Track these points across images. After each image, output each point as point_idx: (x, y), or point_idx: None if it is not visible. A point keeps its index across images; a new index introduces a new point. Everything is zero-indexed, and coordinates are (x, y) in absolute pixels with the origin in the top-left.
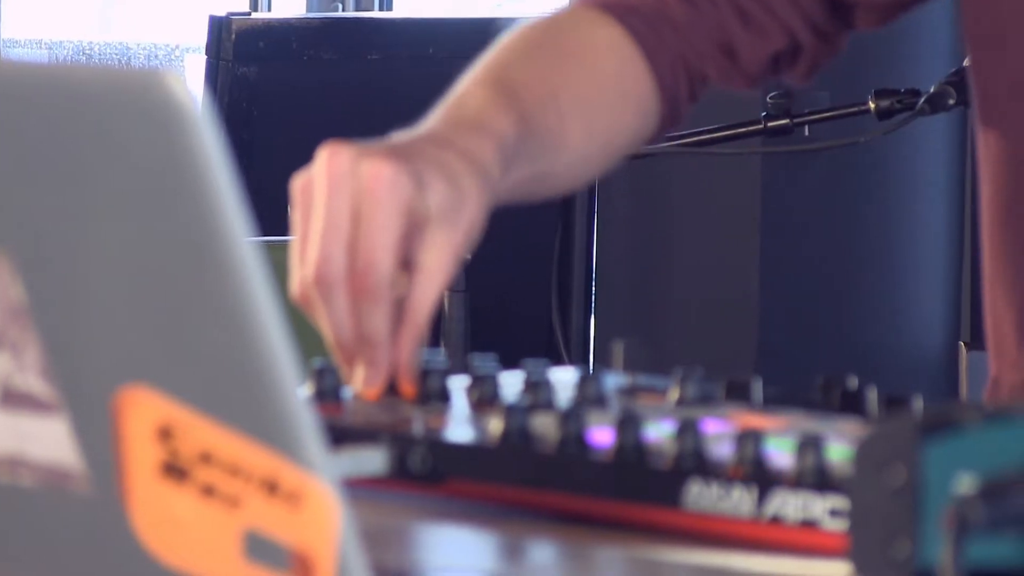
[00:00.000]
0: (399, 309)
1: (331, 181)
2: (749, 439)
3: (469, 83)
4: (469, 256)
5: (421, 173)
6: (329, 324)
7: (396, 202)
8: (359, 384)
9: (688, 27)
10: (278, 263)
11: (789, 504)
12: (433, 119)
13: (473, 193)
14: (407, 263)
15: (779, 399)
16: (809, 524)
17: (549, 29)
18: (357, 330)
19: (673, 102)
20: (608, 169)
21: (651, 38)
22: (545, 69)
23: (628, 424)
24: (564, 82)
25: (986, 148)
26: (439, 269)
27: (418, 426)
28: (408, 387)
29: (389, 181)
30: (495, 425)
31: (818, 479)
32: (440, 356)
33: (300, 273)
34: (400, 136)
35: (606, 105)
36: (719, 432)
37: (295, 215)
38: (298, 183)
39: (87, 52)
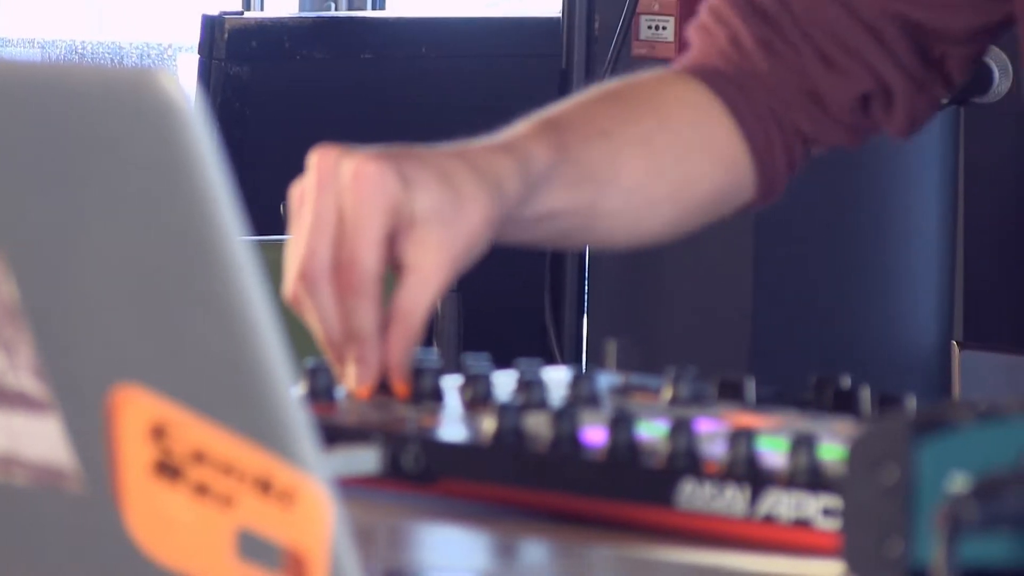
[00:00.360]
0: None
1: (319, 181)
2: (742, 438)
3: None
4: (469, 262)
5: (409, 173)
6: (317, 321)
7: (379, 198)
8: (350, 382)
9: (772, 75)
10: (271, 262)
11: (782, 503)
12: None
13: (475, 198)
14: (398, 264)
15: (772, 398)
16: (802, 523)
17: (623, 82)
18: (345, 326)
19: (766, 161)
20: (696, 223)
21: (739, 97)
22: (600, 111)
23: (621, 423)
24: (621, 123)
25: None
26: (430, 269)
27: (411, 425)
28: (400, 387)
29: (372, 178)
30: (488, 424)
31: (811, 478)
32: (433, 355)
33: (289, 272)
34: (408, 147)
35: (677, 150)
36: (712, 431)
37: (290, 221)
38: (294, 190)
39: (80, 51)
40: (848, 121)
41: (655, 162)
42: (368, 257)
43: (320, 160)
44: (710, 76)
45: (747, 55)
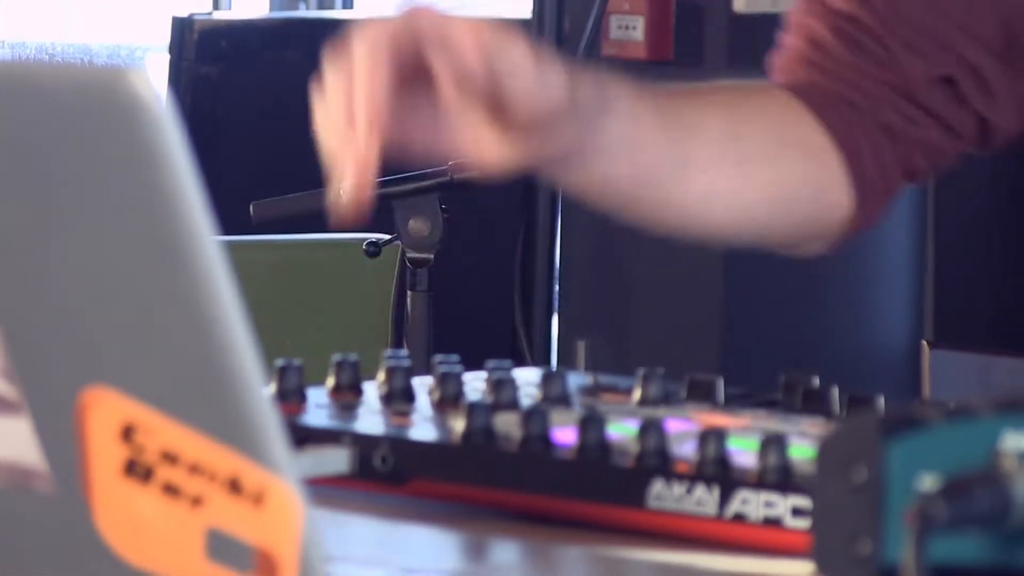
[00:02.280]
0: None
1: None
2: (712, 438)
3: None
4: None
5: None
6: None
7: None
8: (345, 190)
9: (855, 67)
10: (241, 262)
11: (752, 503)
12: None
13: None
14: None
15: (741, 398)
16: (772, 523)
17: (717, 84)
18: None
19: (858, 168)
20: (792, 218)
21: (827, 106)
22: (691, 98)
23: (591, 423)
24: (711, 92)
25: None
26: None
27: (381, 425)
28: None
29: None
30: (458, 424)
31: (781, 478)
32: (404, 356)
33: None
34: None
35: (763, 130)
36: (682, 431)
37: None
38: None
39: (49, 52)
40: (940, 112)
41: (739, 131)
42: (373, 40)
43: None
44: (793, 87)
45: (828, 51)
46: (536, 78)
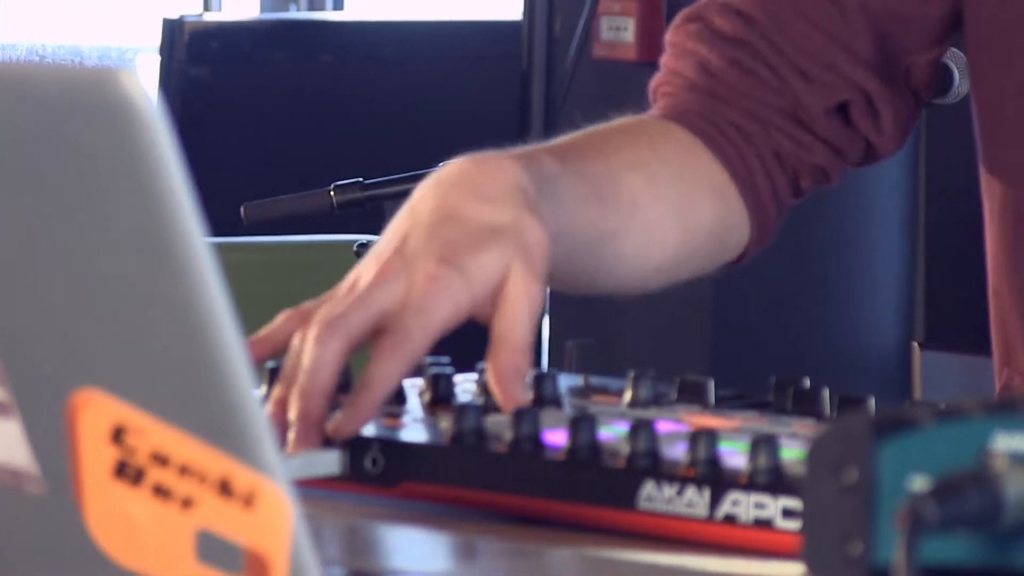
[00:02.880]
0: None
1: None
2: (702, 440)
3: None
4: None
5: (466, 265)
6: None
7: (445, 308)
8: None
9: (745, 94)
10: (231, 264)
11: (742, 504)
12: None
13: (530, 219)
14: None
15: (732, 400)
16: (762, 524)
17: (607, 123)
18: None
19: (752, 192)
20: (702, 257)
21: (717, 135)
22: (591, 140)
23: (582, 425)
24: (615, 148)
25: (989, 146)
26: (518, 290)
27: (372, 427)
28: (509, 404)
29: (437, 288)
30: (449, 426)
31: (771, 479)
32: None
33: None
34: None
35: (673, 174)
36: (672, 433)
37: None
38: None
39: (40, 53)
40: (830, 137)
41: (652, 183)
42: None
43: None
44: (684, 118)
45: (718, 78)
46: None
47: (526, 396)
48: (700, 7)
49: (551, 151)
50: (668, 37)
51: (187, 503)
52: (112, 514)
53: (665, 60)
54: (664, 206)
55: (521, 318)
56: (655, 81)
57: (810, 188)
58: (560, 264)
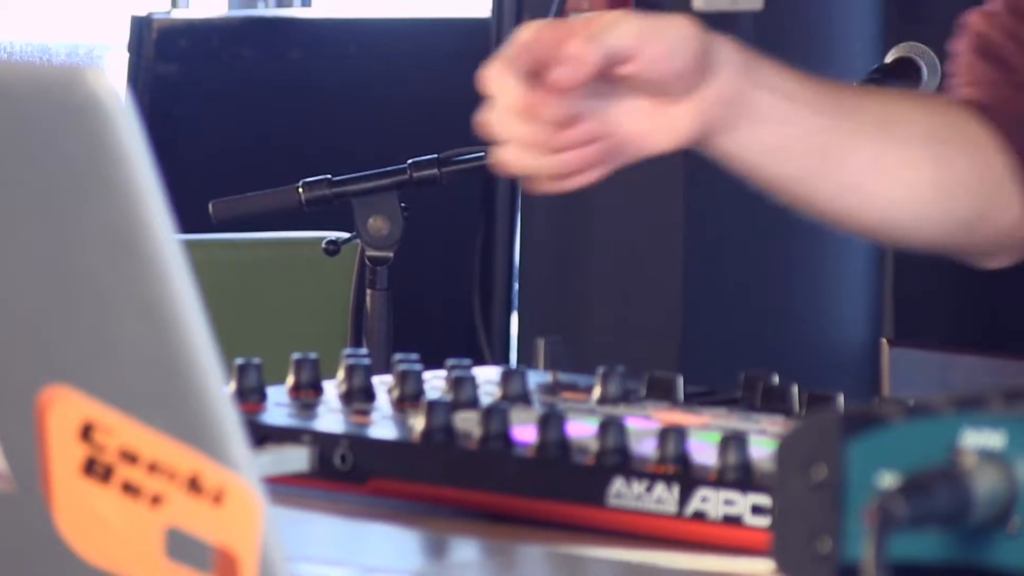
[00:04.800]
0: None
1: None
2: (672, 436)
3: None
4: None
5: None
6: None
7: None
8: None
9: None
10: (200, 261)
11: (711, 501)
12: None
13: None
14: None
15: (701, 396)
16: (732, 521)
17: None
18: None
19: None
20: (959, 206)
21: (1009, 123)
22: (845, 87)
23: (551, 421)
24: (866, 97)
25: None
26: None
27: (341, 424)
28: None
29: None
30: (418, 423)
31: (740, 476)
32: (363, 354)
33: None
34: None
35: (935, 128)
36: (642, 430)
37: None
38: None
39: (8, 51)
40: None
41: (903, 115)
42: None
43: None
44: (971, 103)
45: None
46: (654, 46)
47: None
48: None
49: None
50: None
51: (156, 500)
52: (81, 512)
53: (968, 51)
54: (909, 132)
55: (615, 39)
56: (957, 52)
57: None
58: (790, 170)
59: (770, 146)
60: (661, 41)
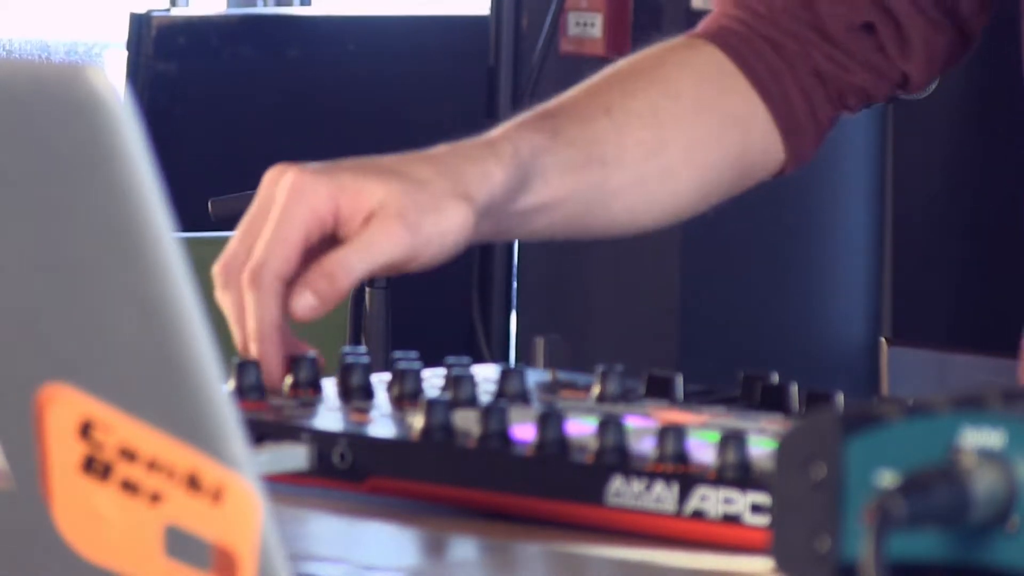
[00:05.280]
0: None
1: (260, 193)
2: (671, 435)
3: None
4: (434, 262)
5: (354, 178)
6: (229, 319)
7: (302, 207)
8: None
9: (784, 11)
10: (199, 259)
11: (711, 500)
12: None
13: (445, 195)
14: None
15: (700, 395)
16: (731, 520)
17: (629, 58)
18: (245, 322)
19: (787, 117)
20: (724, 189)
21: (751, 54)
22: (601, 90)
23: (550, 420)
24: (622, 97)
25: None
26: (370, 241)
27: (340, 422)
28: (299, 316)
29: (300, 188)
30: (417, 421)
31: (740, 475)
32: (362, 352)
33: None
34: (379, 157)
35: (684, 116)
36: (641, 428)
37: None
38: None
39: (7, 48)
40: (864, 58)
41: (661, 131)
42: (273, 253)
43: (268, 176)
44: (721, 36)
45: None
46: (424, 253)
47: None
48: None
49: (546, 120)
50: None
51: (155, 498)
52: (80, 509)
53: None
54: (674, 152)
55: (354, 263)
56: None
57: (860, 107)
58: (560, 225)
59: (541, 229)
60: (429, 248)
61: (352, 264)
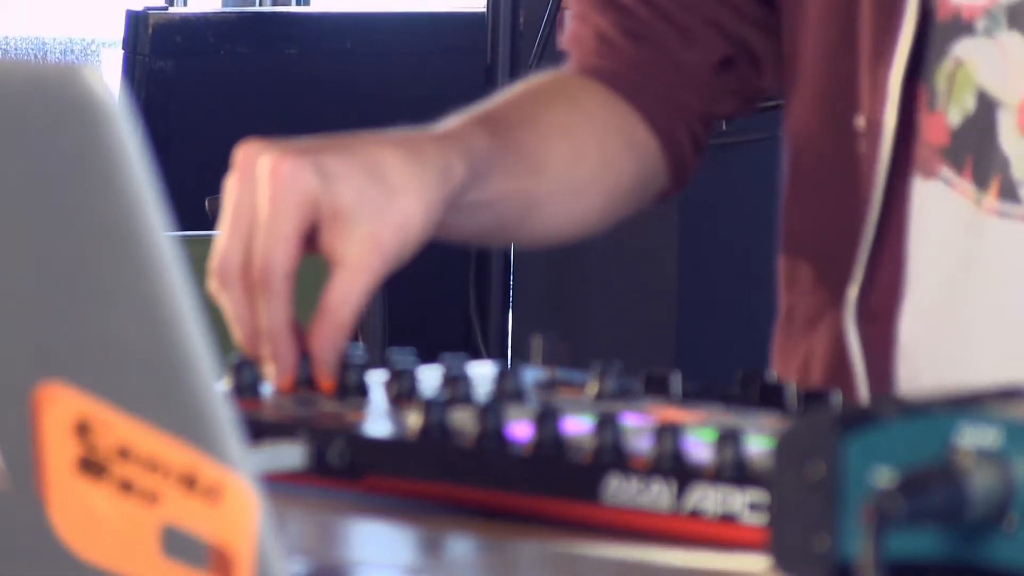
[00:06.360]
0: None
1: (237, 177)
2: (668, 433)
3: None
4: (406, 253)
5: (331, 166)
6: (231, 318)
7: (293, 195)
8: (270, 378)
9: (645, 62)
10: (196, 258)
11: (708, 498)
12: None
13: (406, 188)
14: (328, 259)
15: (698, 393)
16: (728, 518)
17: (533, 79)
18: (255, 323)
19: (672, 142)
20: (620, 211)
21: (631, 87)
22: (521, 102)
23: (547, 418)
24: (543, 110)
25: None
26: (357, 262)
27: (336, 420)
28: (326, 383)
29: (286, 174)
30: (414, 419)
31: (737, 473)
32: (358, 350)
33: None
34: (344, 135)
35: (596, 135)
36: (638, 426)
37: (220, 217)
38: (226, 187)
39: (3, 47)
40: (727, 89)
41: (577, 147)
42: (277, 254)
43: (241, 156)
44: (596, 73)
45: (617, 49)
46: (387, 251)
47: (333, 372)
48: None
49: (485, 123)
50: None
51: (152, 498)
52: (76, 509)
53: (571, 23)
54: (588, 171)
55: (354, 291)
56: (564, 37)
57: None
58: (490, 227)
59: (473, 229)
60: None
61: (351, 304)
